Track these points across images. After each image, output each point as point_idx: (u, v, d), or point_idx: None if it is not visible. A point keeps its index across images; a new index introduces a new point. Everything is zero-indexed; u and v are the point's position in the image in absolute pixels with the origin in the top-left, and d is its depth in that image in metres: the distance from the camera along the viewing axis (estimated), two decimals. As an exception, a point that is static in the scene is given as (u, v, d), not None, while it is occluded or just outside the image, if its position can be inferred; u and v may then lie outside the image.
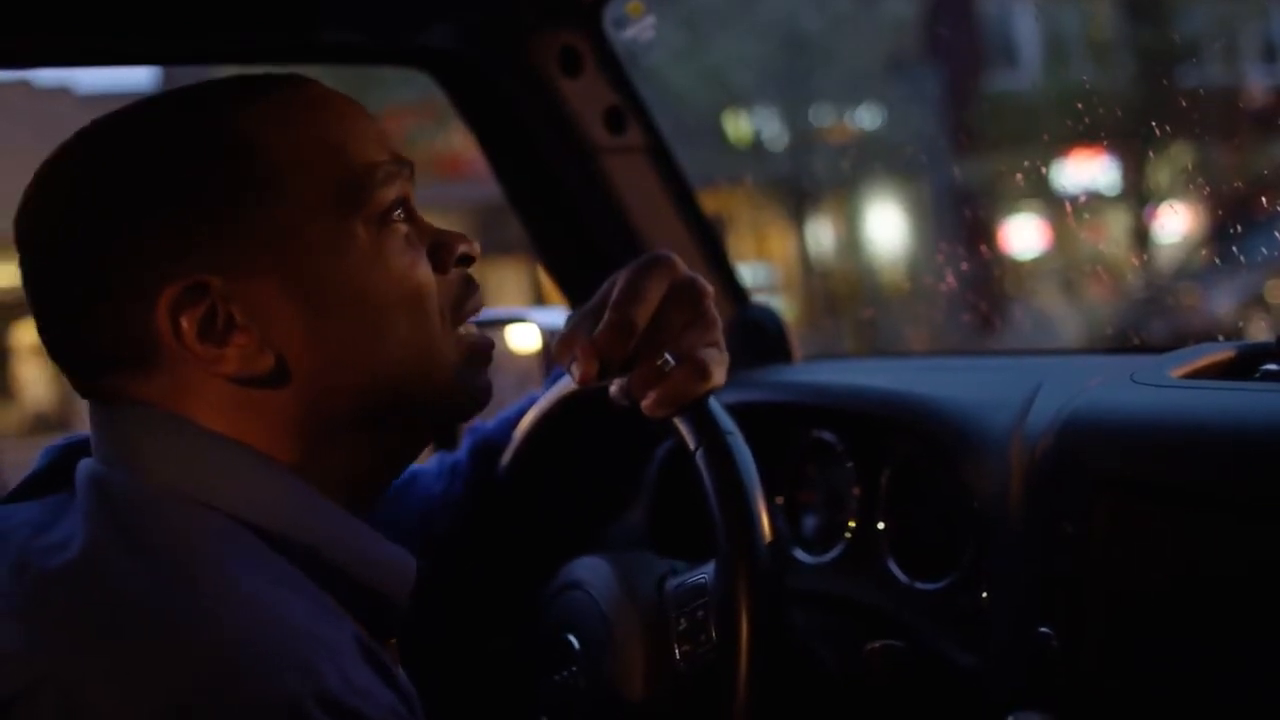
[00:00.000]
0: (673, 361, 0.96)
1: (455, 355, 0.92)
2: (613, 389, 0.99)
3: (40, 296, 0.86)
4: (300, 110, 0.88)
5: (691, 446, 0.97)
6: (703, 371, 0.96)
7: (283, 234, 0.84)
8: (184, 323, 0.82)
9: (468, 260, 0.94)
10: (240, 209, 0.84)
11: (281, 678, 0.70)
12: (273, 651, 0.72)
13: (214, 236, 0.83)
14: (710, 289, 1.00)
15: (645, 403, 0.97)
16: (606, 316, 0.95)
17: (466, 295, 0.94)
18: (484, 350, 0.95)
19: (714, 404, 0.98)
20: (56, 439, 0.97)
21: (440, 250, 0.92)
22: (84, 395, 0.88)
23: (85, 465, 0.85)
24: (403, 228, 0.90)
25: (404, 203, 0.90)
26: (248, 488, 0.83)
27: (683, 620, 0.99)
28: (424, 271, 0.90)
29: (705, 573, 0.99)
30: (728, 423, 0.98)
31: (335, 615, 0.78)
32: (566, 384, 1.16)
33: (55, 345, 0.87)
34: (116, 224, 0.83)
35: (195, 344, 0.82)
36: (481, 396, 0.95)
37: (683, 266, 0.99)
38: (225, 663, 0.71)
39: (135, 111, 0.87)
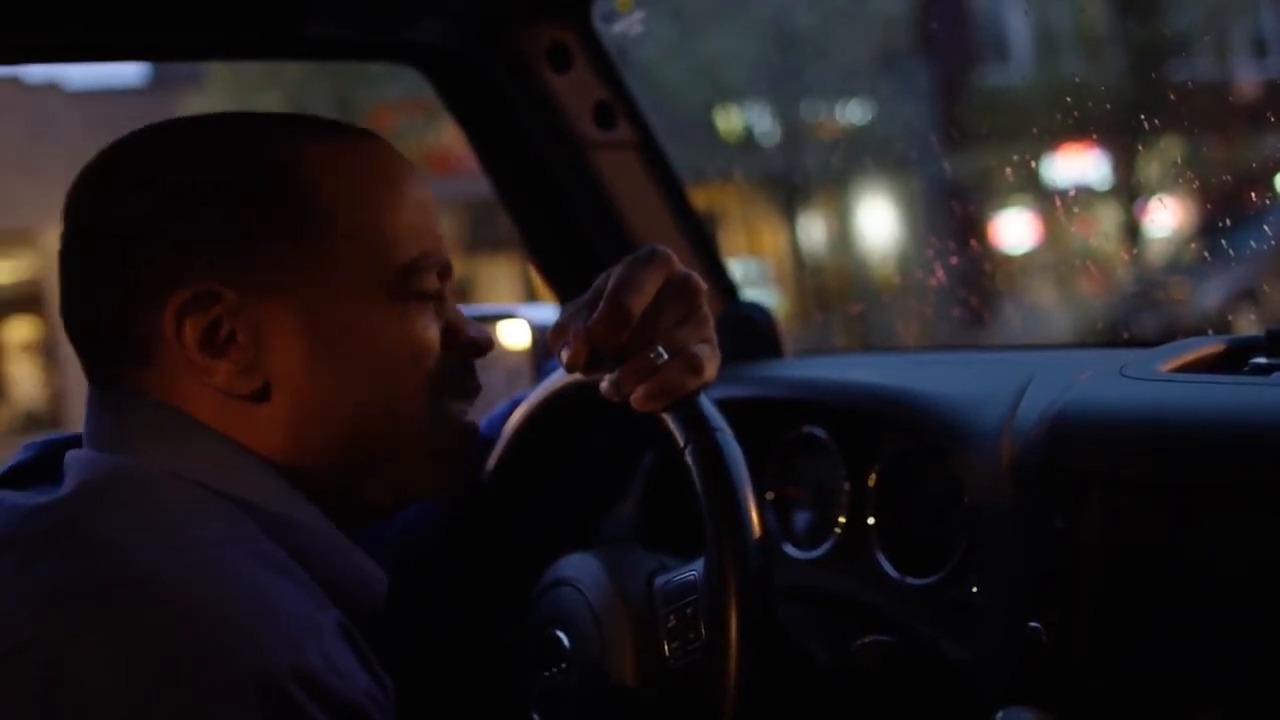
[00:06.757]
0: (665, 355, 0.96)
1: (431, 429, 0.93)
2: (603, 383, 0.99)
3: (68, 272, 0.88)
4: (364, 166, 0.90)
5: (681, 443, 0.96)
6: (694, 366, 0.96)
7: (311, 275, 0.86)
8: (188, 326, 0.84)
9: (475, 348, 0.96)
10: (277, 237, 0.86)
11: (265, 652, 0.71)
12: (258, 627, 0.73)
13: (243, 254, 0.85)
14: (704, 286, 0.99)
15: (635, 396, 0.96)
16: (602, 305, 0.95)
17: (462, 375, 0.96)
18: (466, 433, 0.97)
19: (704, 400, 0.98)
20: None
21: (453, 330, 0.94)
22: (90, 377, 0.89)
23: (75, 452, 0.85)
24: (429, 304, 0.92)
25: (437, 295, 0.92)
26: (242, 475, 0.85)
27: (672, 617, 0.99)
28: (432, 337, 0.92)
29: (695, 569, 0.99)
30: (717, 419, 0.97)
31: (321, 600, 0.79)
32: (557, 379, 1.15)
33: (70, 322, 0.89)
34: (155, 220, 0.85)
35: (194, 349, 0.84)
36: (445, 480, 0.96)
37: (678, 262, 0.99)
38: (211, 633, 0.71)
39: (211, 120, 0.90)
